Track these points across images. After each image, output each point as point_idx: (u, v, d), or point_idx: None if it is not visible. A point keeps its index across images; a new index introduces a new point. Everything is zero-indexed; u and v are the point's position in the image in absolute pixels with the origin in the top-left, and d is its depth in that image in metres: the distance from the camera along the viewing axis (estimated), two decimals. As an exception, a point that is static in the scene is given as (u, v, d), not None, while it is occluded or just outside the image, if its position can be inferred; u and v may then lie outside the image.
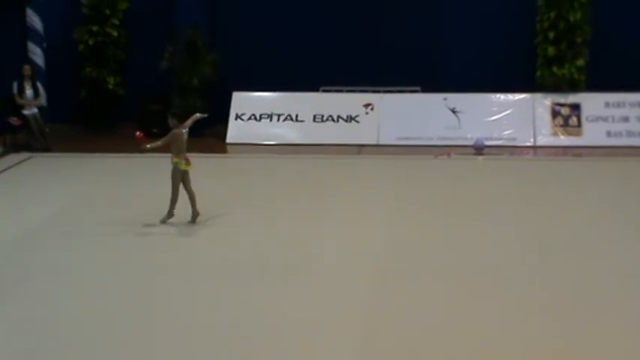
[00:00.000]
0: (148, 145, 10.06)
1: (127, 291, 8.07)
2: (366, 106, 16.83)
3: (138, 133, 10.36)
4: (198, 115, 10.54)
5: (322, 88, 17.17)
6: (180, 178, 10.09)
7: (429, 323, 7.22)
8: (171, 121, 10.12)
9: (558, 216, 10.66)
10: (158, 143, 10.08)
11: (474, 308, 7.55)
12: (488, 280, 8.20)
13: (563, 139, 16.25)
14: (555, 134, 16.31)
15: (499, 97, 16.65)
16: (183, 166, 10.05)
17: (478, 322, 7.25)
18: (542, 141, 16.20)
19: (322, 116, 16.83)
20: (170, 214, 10.23)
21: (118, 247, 9.60)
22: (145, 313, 7.55)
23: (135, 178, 13.41)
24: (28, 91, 16.17)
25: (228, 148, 16.42)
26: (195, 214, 10.28)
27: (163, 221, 10.22)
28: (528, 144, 16.19)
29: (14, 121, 15.79)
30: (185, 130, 10.12)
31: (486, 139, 15.89)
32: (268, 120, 16.93)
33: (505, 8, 17.07)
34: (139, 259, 9.18)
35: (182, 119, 10.20)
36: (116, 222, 10.46)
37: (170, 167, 10.10)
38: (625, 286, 8.00)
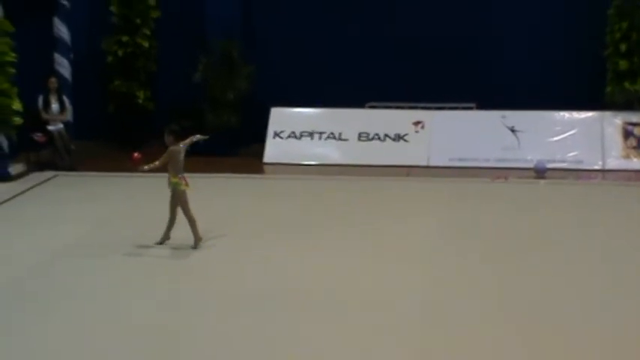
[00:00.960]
0: (146, 167, 9.76)
1: (154, 314, 7.78)
2: (416, 124, 16.13)
3: (135, 154, 10.16)
4: (198, 136, 10.18)
5: (368, 104, 16.58)
6: (180, 199, 9.80)
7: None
8: (168, 139, 9.76)
9: (634, 248, 9.76)
10: (156, 163, 9.73)
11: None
12: (558, 327, 7.23)
13: (636, 162, 15.30)
14: (627, 157, 15.39)
15: (563, 116, 15.83)
16: (182, 187, 9.72)
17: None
18: (611, 164, 15.30)
19: (368, 135, 16.18)
20: (166, 235, 10.00)
21: (144, 269, 9.29)
22: (170, 340, 7.12)
23: (164, 197, 12.75)
24: (54, 105, 15.67)
25: (266, 168, 15.90)
26: (197, 239, 9.90)
27: (160, 242, 9.99)
28: (596, 167, 15.28)
29: (39, 137, 15.31)
30: (183, 148, 9.77)
31: (549, 161, 15.06)
32: (309, 138, 16.33)
33: (571, 18, 16.35)
34: (167, 282, 8.82)
35: (180, 137, 9.85)
36: (142, 243, 10.05)
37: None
38: None
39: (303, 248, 9.98)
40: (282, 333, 7.20)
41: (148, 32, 16.97)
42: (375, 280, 8.73)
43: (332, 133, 16.22)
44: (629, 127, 15.46)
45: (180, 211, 9.81)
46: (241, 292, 8.31)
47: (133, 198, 13.04)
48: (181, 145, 9.71)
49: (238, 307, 7.83)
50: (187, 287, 8.54)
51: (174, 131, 9.77)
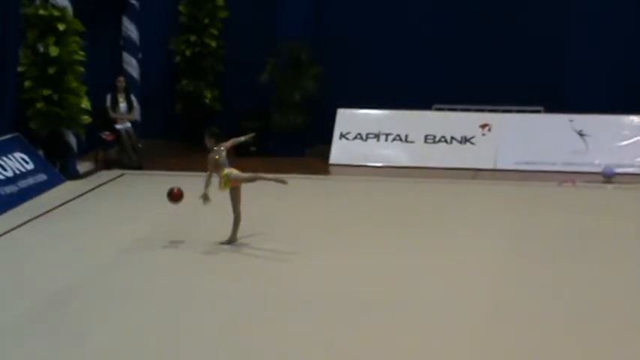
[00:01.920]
0: (205, 191, 9.76)
1: (222, 313, 7.84)
2: (483, 126, 15.96)
3: (176, 190, 10.12)
4: (241, 138, 10.26)
5: (435, 106, 16.43)
6: (231, 194, 9.84)
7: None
8: (209, 142, 9.82)
9: None
10: (206, 180, 9.82)
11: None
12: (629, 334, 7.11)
13: None
14: (698, 162, 15.08)
15: (632, 120, 15.58)
16: (226, 186, 9.73)
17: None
18: (682, 170, 15.01)
19: (434, 137, 16.04)
20: (234, 236, 10.04)
21: (209, 268, 9.36)
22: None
23: (228, 197, 12.80)
24: (122, 105, 15.75)
25: (331, 169, 15.83)
26: (231, 238, 10.04)
27: (227, 242, 10.01)
28: (665, 172, 15.00)
29: (107, 135, 15.45)
30: (222, 151, 9.73)
31: (617, 165, 14.79)
32: (375, 140, 16.21)
33: (637, 18, 16.02)
34: (231, 281, 8.85)
35: (220, 140, 9.84)
36: (207, 243, 10.10)
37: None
38: None
39: (362, 248, 9.95)
40: (344, 333, 7.20)
41: (215, 32, 16.98)
42: (438, 281, 8.68)
43: (398, 135, 16.08)
44: (701, 132, 15.15)
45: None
46: (294, 292, 8.35)
47: (197, 197, 12.93)
48: (221, 148, 9.66)
49: (291, 307, 7.87)
50: (248, 288, 8.54)
51: (215, 134, 9.76)
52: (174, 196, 10.00)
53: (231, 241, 9.91)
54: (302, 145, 16.33)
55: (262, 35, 16.51)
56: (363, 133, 16.21)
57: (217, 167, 9.67)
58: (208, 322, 7.56)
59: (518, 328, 7.32)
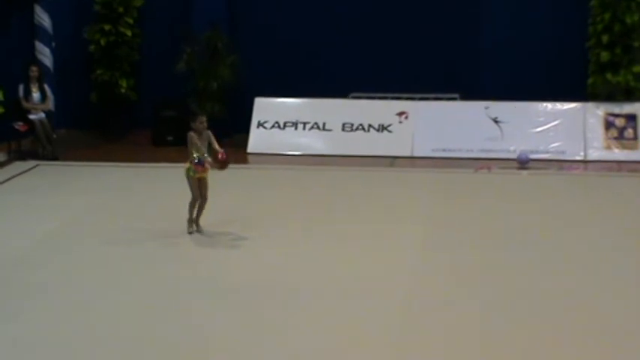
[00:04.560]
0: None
1: (133, 306, 7.75)
2: (400, 114, 15.99)
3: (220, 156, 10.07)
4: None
5: (352, 95, 16.38)
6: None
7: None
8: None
9: (616, 241, 9.72)
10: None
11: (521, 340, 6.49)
12: (534, 313, 7.29)
13: (618, 153, 15.26)
14: (609, 147, 15.34)
15: (546, 107, 15.73)
16: (190, 173, 9.96)
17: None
18: (593, 155, 15.26)
19: (352, 125, 16.04)
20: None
21: (126, 260, 9.23)
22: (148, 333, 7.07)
23: (146, 188, 13.03)
24: (35, 94, 15.44)
25: (249, 158, 15.73)
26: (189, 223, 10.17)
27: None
28: (578, 158, 15.22)
29: (20, 126, 15.13)
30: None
31: (531, 152, 15.01)
32: (293, 128, 16.17)
33: (554, 8, 16.21)
34: (146, 272, 8.78)
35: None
36: (125, 234, 10.10)
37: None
38: None
39: (282, 237, 9.95)
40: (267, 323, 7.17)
41: (130, 21, 16.67)
42: (356, 267, 8.69)
43: (316, 124, 16.06)
44: (611, 118, 15.40)
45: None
46: (217, 281, 8.35)
47: (115, 188, 12.89)
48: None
49: (217, 296, 7.86)
50: (168, 275, 8.55)
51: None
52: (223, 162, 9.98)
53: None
54: (220, 135, 16.08)
55: (178, 24, 16.33)
56: (280, 121, 16.14)
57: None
58: (124, 310, 7.56)
59: (436, 314, 7.37)
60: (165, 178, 12.84)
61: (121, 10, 16.58)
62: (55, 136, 15.38)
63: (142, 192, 12.71)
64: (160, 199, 12.02)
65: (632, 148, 15.23)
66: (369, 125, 15.95)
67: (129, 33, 16.68)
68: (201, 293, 7.98)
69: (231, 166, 13.15)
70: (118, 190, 12.78)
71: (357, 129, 15.97)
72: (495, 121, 15.64)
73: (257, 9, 16.80)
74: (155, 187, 12.93)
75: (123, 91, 16.71)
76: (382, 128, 15.92)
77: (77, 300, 7.88)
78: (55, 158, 14.95)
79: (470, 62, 16.44)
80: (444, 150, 15.48)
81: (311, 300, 7.75)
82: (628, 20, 15.16)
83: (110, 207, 11.57)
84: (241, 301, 7.73)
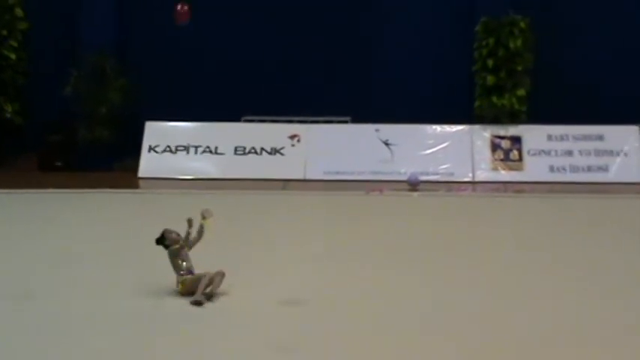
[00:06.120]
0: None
1: None
2: (292, 137, 16.08)
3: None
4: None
5: (244, 118, 16.43)
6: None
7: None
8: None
9: (498, 258, 9.71)
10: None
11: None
12: (424, 334, 7.04)
13: (504, 174, 15.69)
14: (495, 169, 15.79)
15: (435, 129, 16.07)
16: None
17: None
18: (481, 176, 15.67)
19: (244, 148, 16.06)
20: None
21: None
22: None
23: (31, 216, 12.28)
24: None
25: (141, 182, 15.50)
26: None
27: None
28: (466, 179, 15.60)
29: None
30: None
31: (422, 173, 15.19)
32: (185, 152, 16.07)
33: (441, 33, 16.72)
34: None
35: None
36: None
37: None
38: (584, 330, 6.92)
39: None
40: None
41: (15, 44, 16.40)
42: (248, 293, 8.37)
43: (208, 147, 16.00)
44: (497, 140, 15.81)
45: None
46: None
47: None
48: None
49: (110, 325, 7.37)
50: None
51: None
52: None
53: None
54: (110, 159, 15.95)
55: (66, 47, 16.15)
56: (172, 145, 16.02)
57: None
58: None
59: (330, 337, 7.31)
60: (50, 205, 12.47)
61: (4, 33, 16.28)
62: None
63: (24, 220, 12.02)
64: (45, 227, 11.33)
65: (518, 169, 15.66)
66: (262, 148, 15.97)
67: (13, 56, 16.37)
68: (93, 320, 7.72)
69: (120, 191, 12.86)
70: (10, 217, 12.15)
71: (249, 152, 15.96)
72: (386, 143, 15.83)
73: (148, 33, 16.70)
74: (40, 214, 12.22)
75: (8, 115, 16.33)
76: (274, 151, 15.95)
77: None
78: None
79: (361, 85, 16.70)
80: (336, 173, 15.61)
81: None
82: (511, 45, 15.61)
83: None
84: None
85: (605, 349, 6.53)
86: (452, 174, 15.56)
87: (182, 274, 7.85)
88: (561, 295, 8.14)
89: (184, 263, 7.93)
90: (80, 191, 13.41)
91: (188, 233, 7.93)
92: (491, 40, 15.71)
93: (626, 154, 15.57)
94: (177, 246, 7.93)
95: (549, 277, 8.86)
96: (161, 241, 8.01)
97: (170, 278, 7.98)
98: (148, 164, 15.83)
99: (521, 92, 15.73)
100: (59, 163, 15.29)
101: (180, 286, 7.85)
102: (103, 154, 15.84)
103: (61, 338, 6.66)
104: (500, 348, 6.63)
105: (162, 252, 8.30)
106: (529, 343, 6.74)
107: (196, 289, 7.68)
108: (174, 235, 8.00)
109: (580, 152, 15.68)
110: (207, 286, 7.81)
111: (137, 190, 14.84)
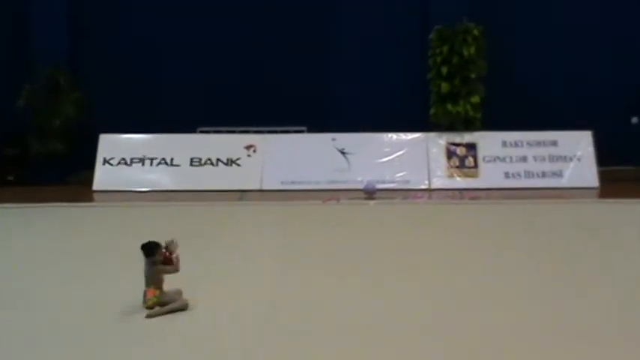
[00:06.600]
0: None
1: None
2: (248, 147, 16.02)
3: None
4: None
5: (199, 129, 16.39)
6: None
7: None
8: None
9: (453, 265, 9.72)
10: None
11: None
12: (381, 338, 7.04)
13: (460, 181, 15.75)
14: (451, 176, 15.83)
15: (391, 137, 16.08)
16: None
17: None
18: (437, 183, 15.71)
19: (200, 160, 15.95)
20: None
21: None
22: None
23: None
24: None
25: (95, 196, 15.33)
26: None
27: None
28: (423, 187, 15.63)
29: None
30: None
31: (378, 182, 15.25)
32: (140, 164, 15.93)
33: (396, 42, 16.80)
34: None
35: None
36: None
37: None
38: (549, 333, 6.95)
39: (128, 276, 9.23)
40: None
41: (-35, 57, 16.24)
42: (205, 303, 8.42)
43: (163, 159, 15.88)
44: (453, 148, 15.86)
45: None
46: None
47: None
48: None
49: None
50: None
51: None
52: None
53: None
54: (64, 172, 15.80)
55: (18, 60, 15.98)
56: (127, 157, 15.88)
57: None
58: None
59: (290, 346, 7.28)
60: (2, 220, 12.30)
61: (-45, 46, 16.07)
62: None
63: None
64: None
65: (473, 176, 15.73)
66: (218, 159, 15.89)
67: (-36, 70, 16.15)
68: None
69: (74, 204, 12.67)
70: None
71: (205, 163, 15.88)
72: (342, 152, 15.84)
73: (102, 45, 16.62)
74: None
75: (-41, 129, 16.12)
76: (231, 162, 15.88)
77: None
78: None
79: (316, 95, 16.71)
80: (292, 182, 15.58)
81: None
82: (465, 53, 15.71)
83: None
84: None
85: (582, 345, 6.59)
86: (408, 182, 15.60)
87: (157, 290, 7.77)
88: (522, 296, 8.20)
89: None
90: (33, 205, 13.25)
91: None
92: (445, 48, 15.78)
93: (579, 159, 15.71)
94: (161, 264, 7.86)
95: (510, 279, 8.92)
96: (151, 252, 7.85)
97: (125, 293, 7.91)
98: (103, 177, 15.69)
99: (475, 99, 15.82)
100: (11, 178, 15.08)
101: (152, 300, 7.74)
102: (57, 168, 15.68)
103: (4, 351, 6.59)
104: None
105: (116, 266, 8.24)
106: (494, 340, 6.79)
107: (165, 304, 7.68)
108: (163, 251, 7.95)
109: (534, 158, 15.80)
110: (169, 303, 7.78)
111: (92, 204, 14.68)
